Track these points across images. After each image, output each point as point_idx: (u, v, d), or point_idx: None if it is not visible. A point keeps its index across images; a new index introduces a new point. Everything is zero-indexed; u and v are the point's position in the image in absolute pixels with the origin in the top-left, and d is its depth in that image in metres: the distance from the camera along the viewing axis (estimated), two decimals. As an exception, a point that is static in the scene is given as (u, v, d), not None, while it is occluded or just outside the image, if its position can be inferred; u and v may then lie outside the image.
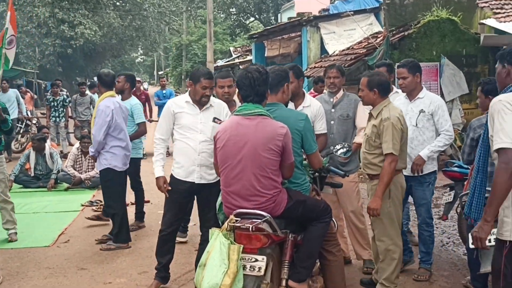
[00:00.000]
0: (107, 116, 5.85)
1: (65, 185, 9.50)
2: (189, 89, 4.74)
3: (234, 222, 3.43)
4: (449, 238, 6.26)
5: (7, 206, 6.33)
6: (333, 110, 5.22)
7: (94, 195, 8.66)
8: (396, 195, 4.41)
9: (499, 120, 2.90)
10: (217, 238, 3.37)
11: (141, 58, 64.43)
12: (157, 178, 4.73)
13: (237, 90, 4.18)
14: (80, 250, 5.98)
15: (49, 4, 30.08)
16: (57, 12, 30.48)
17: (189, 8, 36.64)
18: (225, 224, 3.45)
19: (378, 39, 12.24)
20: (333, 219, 4.31)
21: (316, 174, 4.42)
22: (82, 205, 8.08)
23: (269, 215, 3.48)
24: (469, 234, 3.36)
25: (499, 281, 3.02)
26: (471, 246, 3.27)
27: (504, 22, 12.17)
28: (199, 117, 4.68)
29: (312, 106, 4.97)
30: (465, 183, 4.92)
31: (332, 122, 5.20)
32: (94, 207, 7.72)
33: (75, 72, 37.82)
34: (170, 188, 4.70)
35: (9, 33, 7.04)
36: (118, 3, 34.76)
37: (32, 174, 9.74)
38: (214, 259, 3.30)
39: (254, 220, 3.45)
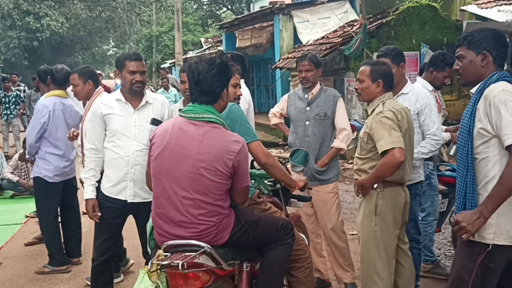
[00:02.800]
0: (42, 116, 5.01)
1: (11, 192, 8.56)
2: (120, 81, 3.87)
3: (162, 259, 2.62)
4: (439, 250, 5.54)
5: None
6: (308, 108, 4.42)
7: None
8: (386, 213, 3.54)
9: (509, 111, 2.60)
10: (142, 282, 2.57)
11: (112, 51, 62.86)
12: (86, 201, 3.84)
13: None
14: (12, 276, 5.09)
15: (13, -5, 29.07)
16: (22, 3, 29.86)
17: (159, -1, 35.65)
18: (151, 262, 2.64)
19: (355, 28, 11.63)
20: (299, 233, 3.54)
21: (278, 185, 3.63)
22: (27, 216, 7.21)
23: (207, 245, 2.68)
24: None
25: None
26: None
27: (486, 8, 11.67)
28: (132, 119, 3.77)
29: (244, 96, 4.05)
30: None
31: (307, 122, 4.41)
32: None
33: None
34: (100, 214, 3.81)
35: None
36: (86, -6, 33.67)
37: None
38: None
39: (188, 254, 2.65)
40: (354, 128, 7.44)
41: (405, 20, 11.23)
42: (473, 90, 2.84)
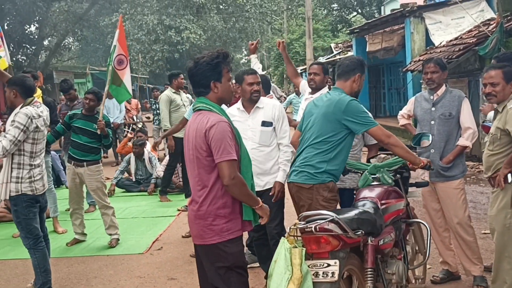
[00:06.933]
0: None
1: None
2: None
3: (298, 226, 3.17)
4: None
5: (107, 211, 6.49)
6: (433, 108, 4.70)
7: (191, 200, 8.60)
8: None
9: None
10: (282, 245, 3.14)
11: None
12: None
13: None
14: (171, 258, 5.92)
15: (157, 12, 31.40)
16: (165, 19, 31.89)
17: (289, 7, 36.51)
18: (290, 228, 3.19)
19: (491, 27, 11.28)
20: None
21: (398, 176, 4.01)
22: (179, 210, 8.12)
23: (335, 214, 3.16)
24: None
25: None
26: None
27: None
28: (247, 123, 4.52)
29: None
30: None
31: (432, 122, 4.68)
32: (189, 212, 7.68)
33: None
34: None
35: (117, 51, 6.87)
36: (221, 6, 35.44)
37: (133, 179, 10.01)
38: (279, 267, 3.08)
39: (319, 221, 3.17)
40: (487, 129, 7.39)
41: (546, 16, 10.73)
42: None
